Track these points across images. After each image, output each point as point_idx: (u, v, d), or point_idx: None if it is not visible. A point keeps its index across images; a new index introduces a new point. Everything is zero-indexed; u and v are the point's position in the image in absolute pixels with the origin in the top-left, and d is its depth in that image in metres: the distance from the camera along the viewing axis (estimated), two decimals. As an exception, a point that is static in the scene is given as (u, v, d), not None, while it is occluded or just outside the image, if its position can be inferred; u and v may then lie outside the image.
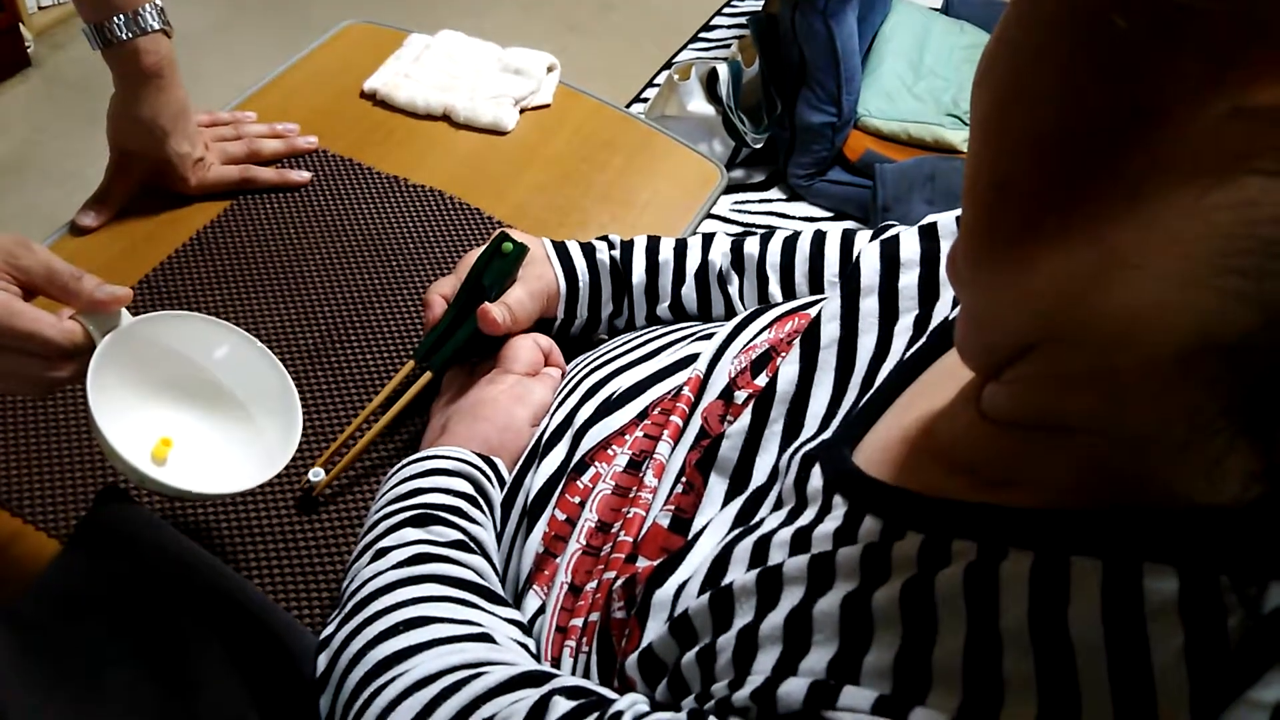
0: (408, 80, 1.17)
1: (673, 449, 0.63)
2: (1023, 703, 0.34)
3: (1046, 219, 0.35)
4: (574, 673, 0.57)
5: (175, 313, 0.70)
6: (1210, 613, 0.33)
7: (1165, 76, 0.30)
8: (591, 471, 0.66)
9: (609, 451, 0.66)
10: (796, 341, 0.61)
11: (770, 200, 2.31)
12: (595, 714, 0.46)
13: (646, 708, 0.46)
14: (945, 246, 0.61)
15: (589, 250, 0.85)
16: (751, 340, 0.66)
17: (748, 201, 2.30)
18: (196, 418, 0.72)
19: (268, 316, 0.93)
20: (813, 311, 0.63)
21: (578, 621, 0.58)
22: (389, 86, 1.16)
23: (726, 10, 2.85)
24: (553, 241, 0.85)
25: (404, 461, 0.70)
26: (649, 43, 2.69)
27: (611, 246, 0.85)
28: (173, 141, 0.98)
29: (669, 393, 0.68)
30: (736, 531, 0.51)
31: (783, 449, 0.57)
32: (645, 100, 2.48)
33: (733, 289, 0.82)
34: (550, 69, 1.21)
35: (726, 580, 0.47)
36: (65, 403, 0.85)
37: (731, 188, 2.33)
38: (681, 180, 1.13)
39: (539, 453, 0.69)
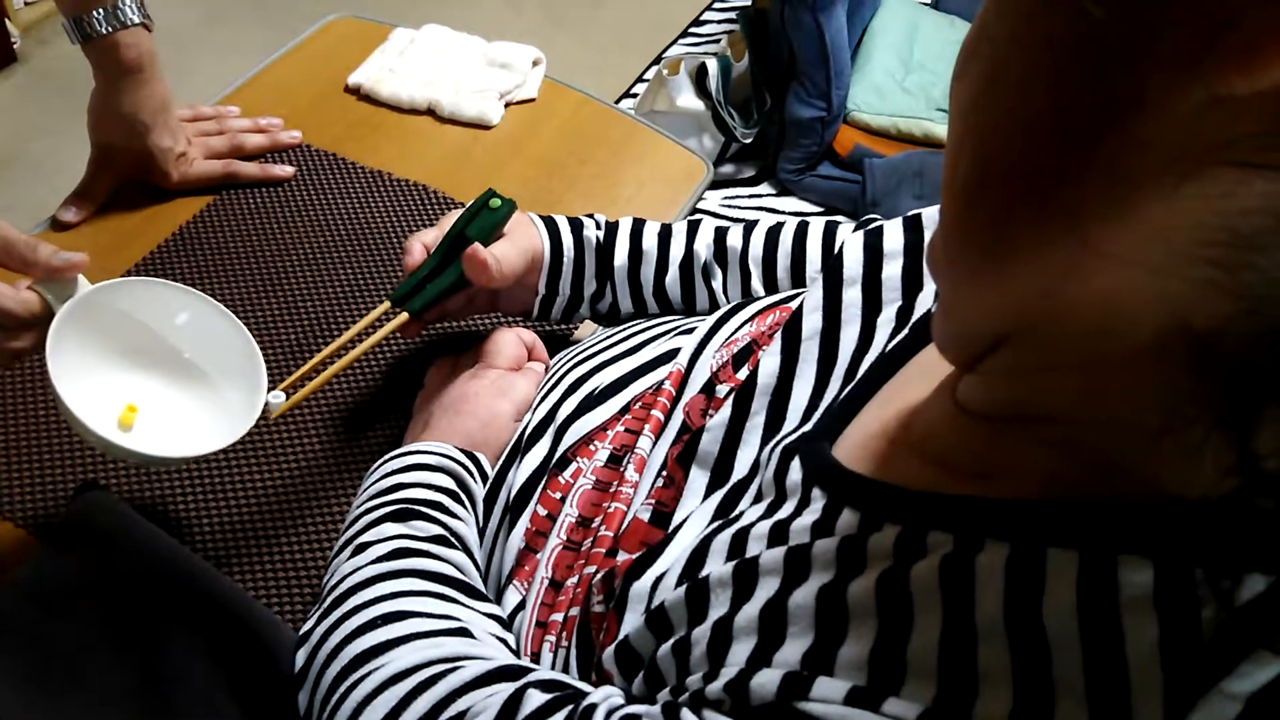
0: (392, 75, 1.16)
1: (654, 443, 0.63)
2: (997, 694, 0.34)
3: (1024, 209, 0.35)
4: (554, 667, 0.57)
5: (134, 279, 0.69)
6: (1185, 605, 0.33)
7: (1141, 66, 0.30)
8: (573, 467, 0.65)
9: (591, 447, 0.66)
10: (778, 333, 0.61)
11: (760, 195, 2.30)
12: (569, 707, 0.46)
13: (621, 700, 0.45)
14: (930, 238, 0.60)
15: (576, 224, 0.83)
16: (733, 334, 0.66)
17: (737, 197, 2.30)
18: (162, 384, 0.72)
19: (251, 312, 0.93)
20: (795, 304, 0.63)
21: (558, 616, 0.58)
22: (373, 81, 1.15)
23: (716, 5, 2.84)
24: (539, 215, 0.83)
25: (386, 457, 0.70)
26: (639, 38, 2.69)
27: (598, 226, 0.83)
28: (154, 136, 0.97)
29: (651, 387, 0.68)
30: (716, 524, 0.51)
31: (764, 442, 0.56)
32: (635, 96, 2.47)
33: (716, 284, 0.82)
34: (535, 63, 1.21)
35: (704, 573, 0.47)
36: (40, 397, 0.84)
37: (721, 183, 2.33)
38: (667, 175, 1.13)
39: (522, 448, 0.69)
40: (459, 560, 0.62)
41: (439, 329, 0.93)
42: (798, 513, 0.46)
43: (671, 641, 0.46)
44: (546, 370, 0.79)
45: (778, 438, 0.54)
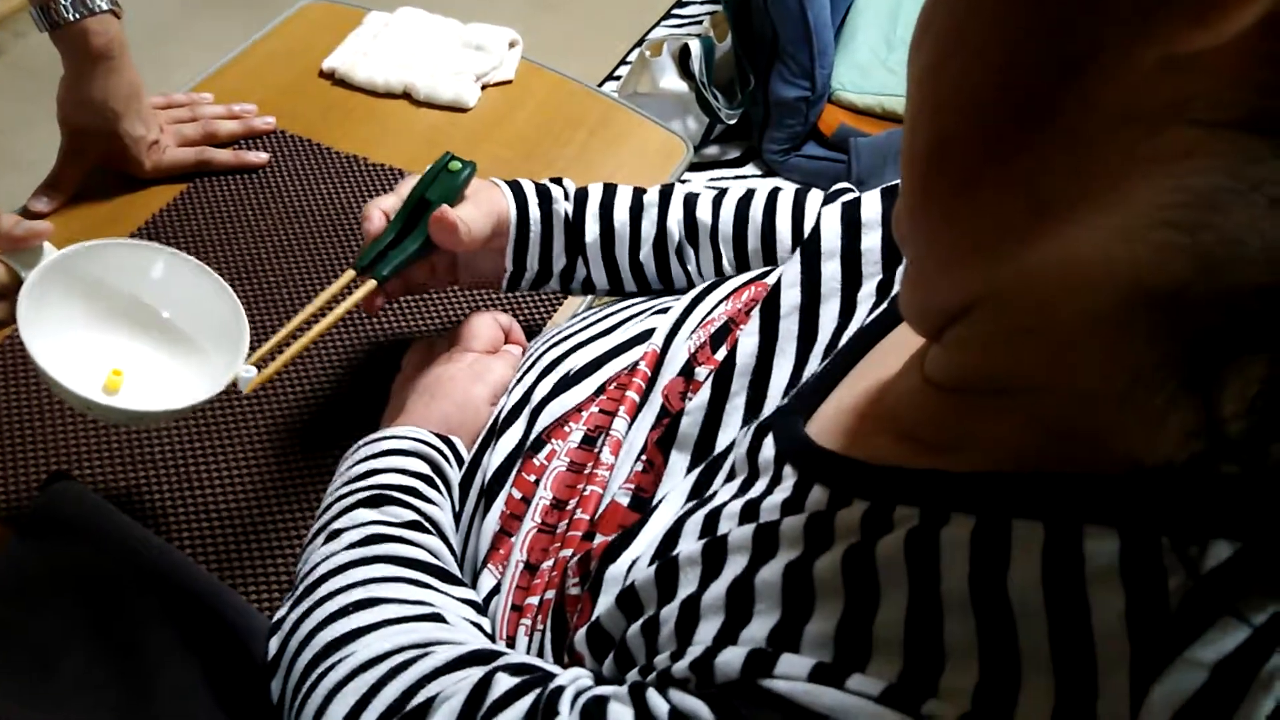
0: (366, 58, 1.15)
1: (629, 425, 0.62)
2: (963, 667, 0.34)
3: (984, 172, 0.35)
4: (529, 651, 0.56)
5: (102, 241, 0.68)
6: (1151, 575, 0.33)
7: (1096, 27, 0.29)
8: (548, 449, 0.65)
9: (565, 428, 0.65)
10: (755, 311, 0.60)
11: (745, 176, 2.29)
12: (537, 690, 0.45)
13: (590, 682, 0.45)
14: None
15: (544, 194, 0.79)
16: (709, 314, 0.65)
17: (723, 178, 2.29)
18: (146, 345, 0.71)
19: (225, 299, 0.92)
20: (770, 280, 0.62)
21: (533, 600, 0.58)
22: (348, 65, 1.14)
23: (699, -14, 2.83)
24: (504, 179, 0.80)
25: (360, 442, 0.69)
26: (621, 20, 2.67)
27: (566, 196, 0.80)
28: (125, 123, 0.96)
29: (626, 368, 0.67)
30: (690, 504, 0.50)
31: (746, 423, 0.56)
32: (618, 78, 2.46)
33: (691, 266, 0.80)
34: (512, 45, 1.20)
35: (674, 552, 0.46)
36: (8, 386, 0.84)
37: (706, 164, 2.31)
38: (646, 155, 1.12)
39: (496, 431, 0.69)
40: (433, 545, 0.62)
41: (416, 313, 0.92)
42: (769, 490, 0.46)
43: (641, 621, 0.45)
44: (524, 353, 0.79)
45: (758, 419, 0.54)
